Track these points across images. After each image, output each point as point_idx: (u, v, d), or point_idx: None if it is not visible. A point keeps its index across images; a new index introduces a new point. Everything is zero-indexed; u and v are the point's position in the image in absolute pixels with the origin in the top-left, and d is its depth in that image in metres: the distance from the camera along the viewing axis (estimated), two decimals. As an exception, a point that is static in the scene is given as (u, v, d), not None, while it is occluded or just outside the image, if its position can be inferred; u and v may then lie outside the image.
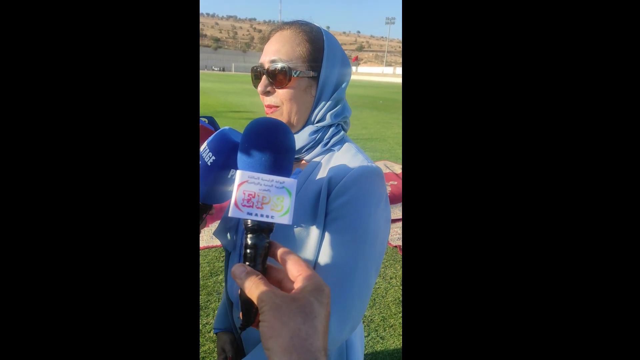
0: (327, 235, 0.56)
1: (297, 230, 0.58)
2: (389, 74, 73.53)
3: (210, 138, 0.55)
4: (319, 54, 0.62)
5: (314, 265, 0.57)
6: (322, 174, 0.60)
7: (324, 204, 0.57)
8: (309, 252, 0.57)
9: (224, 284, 0.81)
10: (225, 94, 15.44)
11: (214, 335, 1.77)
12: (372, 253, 0.57)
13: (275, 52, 0.61)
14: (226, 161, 0.53)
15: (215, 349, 1.70)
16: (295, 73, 0.60)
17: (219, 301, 2.02)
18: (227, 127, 0.57)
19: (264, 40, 0.66)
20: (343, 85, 0.66)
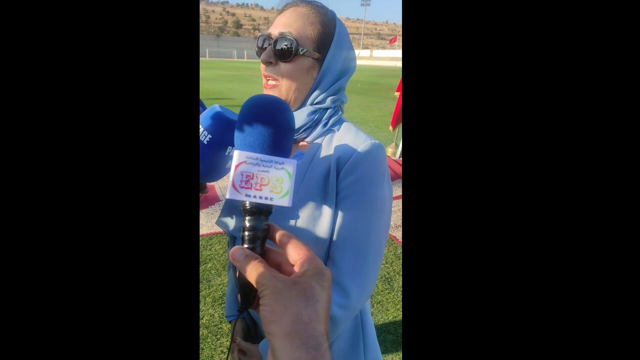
0: (340, 213, 0.59)
1: (309, 210, 0.59)
2: (366, 57, 72.81)
3: (202, 117, 0.55)
4: (328, 39, 0.63)
5: (329, 241, 0.59)
6: (327, 153, 0.61)
7: (334, 183, 0.59)
8: (322, 230, 0.59)
9: (227, 271, 0.81)
10: (200, 80, 14.91)
11: (206, 321, 1.79)
12: (381, 224, 0.61)
13: (287, 26, 0.61)
14: (223, 138, 0.53)
15: (209, 335, 1.72)
16: (301, 50, 0.60)
17: (209, 289, 2.02)
18: (217, 105, 0.56)
19: (278, 12, 0.66)
20: (347, 76, 0.67)
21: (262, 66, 0.64)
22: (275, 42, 0.61)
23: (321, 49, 0.62)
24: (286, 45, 0.60)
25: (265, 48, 0.63)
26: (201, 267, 2.21)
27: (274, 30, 0.62)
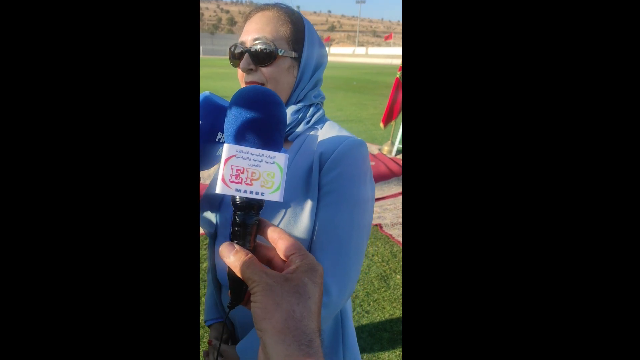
0: (321, 208, 0.59)
1: (290, 205, 0.59)
2: (361, 55, 72.95)
3: None
4: (301, 36, 0.64)
5: (310, 237, 0.59)
6: (310, 150, 0.61)
7: (316, 179, 0.59)
8: (303, 226, 0.58)
9: (207, 273, 0.80)
10: (194, 79, 14.84)
11: (202, 321, 1.77)
12: (363, 221, 0.60)
13: (259, 31, 0.61)
14: (213, 124, 0.52)
15: (204, 335, 1.70)
16: (280, 51, 0.61)
17: (204, 289, 2.01)
18: (207, 92, 0.55)
19: (244, 20, 0.66)
20: (322, 68, 0.68)
21: (241, 74, 0.64)
22: (252, 48, 0.61)
23: (296, 47, 0.63)
24: (264, 49, 0.60)
25: (240, 55, 0.62)
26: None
27: (247, 37, 0.62)
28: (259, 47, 0.60)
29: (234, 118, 0.37)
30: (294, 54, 0.63)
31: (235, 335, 0.72)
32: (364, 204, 0.60)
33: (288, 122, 0.63)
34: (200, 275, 2.12)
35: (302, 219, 0.58)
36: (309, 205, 0.58)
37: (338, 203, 0.58)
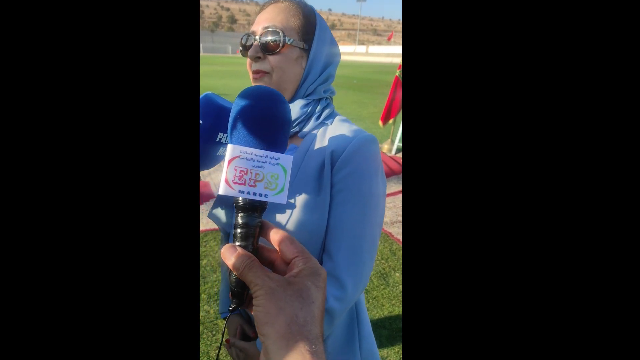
0: (334, 206, 0.59)
1: (303, 203, 0.59)
2: (362, 53, 72.66)
3: None
4: (311, 29, 0.64)
5: (324, 234, 0.60)
6: (321, 146, 0.61)
7: (329, 176, 0.59)
8: (317, 223, 0.59)
9: (221, 268, 0.82)
10: (194, 76, 14.77)
11: (202, 317, 1.78)
12: (376, 217, 0.61)
13: (270, 20, 0.62)
14: (213, 124, 0.52)
15: (204, 331, 1.71)
16: (288, 40, 0.61)
17: (204, 285, 2.02)
18: (208, 92, 0.56)
19: (257, 12, 0.67)
20: (334, 64, 0.68)
21: (249, 63, 0.64)
22: (262, 36, 0.61)
23: (306, 38, 0.63)
24: (273, 37, 0.60)
25: (251, 45, 0.63)
26: (196, 264, 2.20)
27: (258, 27, 0.62)
28: (268, 36, 0.60)
29: (237, 119, 0.36)
30: (302, 45, 0.62)
31: (254, 329, 0.72)
32: (376, 200, 0.60)
33: (297, 116, 0.63)
34: (200, 272, 2.13)
35: (315, 216, 0.58)
36: (322, 202, 0.58)
37: (351, 200, 0.58)
